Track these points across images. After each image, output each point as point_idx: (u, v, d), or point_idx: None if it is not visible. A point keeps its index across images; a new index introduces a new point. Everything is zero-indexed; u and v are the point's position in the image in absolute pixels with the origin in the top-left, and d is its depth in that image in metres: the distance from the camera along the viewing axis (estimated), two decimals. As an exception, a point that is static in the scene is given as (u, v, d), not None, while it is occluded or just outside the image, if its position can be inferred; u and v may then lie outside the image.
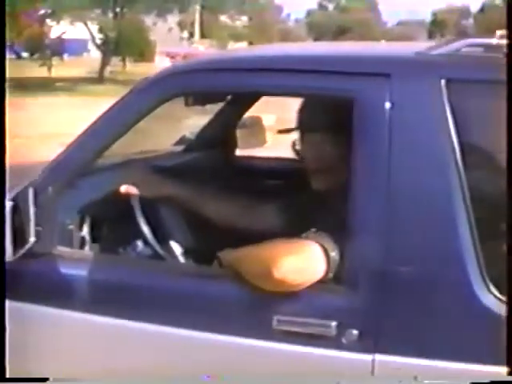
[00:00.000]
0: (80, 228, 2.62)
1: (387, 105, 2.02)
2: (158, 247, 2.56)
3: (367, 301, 2.04)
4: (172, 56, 40.87)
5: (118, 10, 27.19)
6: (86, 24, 27.49)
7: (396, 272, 2.01)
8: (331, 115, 2.32)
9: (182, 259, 2.58)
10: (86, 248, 2.61)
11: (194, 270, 2.45)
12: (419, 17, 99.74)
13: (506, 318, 1.88)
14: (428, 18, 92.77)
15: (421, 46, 2.24)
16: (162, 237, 2.60)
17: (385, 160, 2.01)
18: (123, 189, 2.54)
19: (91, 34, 28.30)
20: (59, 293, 2.31)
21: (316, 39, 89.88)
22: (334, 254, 2.07)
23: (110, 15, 27.53)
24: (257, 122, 4.01)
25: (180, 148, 3.72)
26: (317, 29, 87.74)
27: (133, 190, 2.54)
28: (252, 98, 3.40)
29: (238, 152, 3.88)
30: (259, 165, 3.86)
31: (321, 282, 2.07)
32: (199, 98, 2.85)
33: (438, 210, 2.00)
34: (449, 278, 1.99)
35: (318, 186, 2.43)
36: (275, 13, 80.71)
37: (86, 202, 2.65)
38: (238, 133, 3.83)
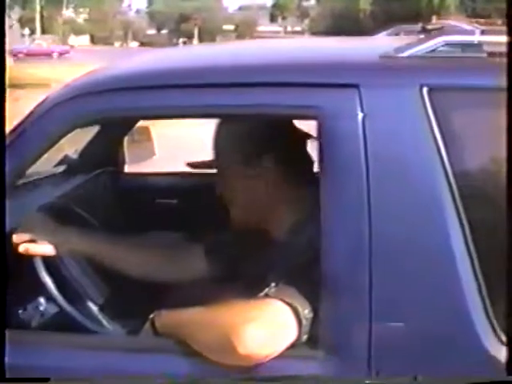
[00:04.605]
0: None
1: (359, 120, 1.64)
2: (66, 304, 2.10)
3: (351, 367, 1.65)
4: (15, 54, 39.65)
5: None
6: None
7: (385, 329, 1.63)
8: (253, 135, 1.95)
9: (97, 318, 2.12)
10: None
11: (120, 341, 1.96)
12: (260, 1, 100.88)
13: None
14: (269, 1, 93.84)
15: (380, 44, 1.87)
16: (68, 291, 2.13)
17: (363, 186, 1.63)
18: (22, 248, 2.06)
19: None
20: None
21: (158, 28, 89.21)
22: (306, 312, 1.67)
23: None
24: (144, 132, 3.59)
25: (62, 169, 3.21)
26: (159, 18, 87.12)
27: (33, 248, 2.07)
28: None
29: (127, 168, 3.45)
30: (154, 182, 3.43)
31: (291, 346, 1.67)
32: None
33: (433, 244, 1.62)
34: (451, 331, 1.63)
35: (238, 220, 2.05)
36: (116, 4, 79.53)
37: None
38: (126, 146, 3.40)
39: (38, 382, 1.75)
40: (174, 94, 1.79)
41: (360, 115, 1.64)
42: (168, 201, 3.24)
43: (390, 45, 1.84)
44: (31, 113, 1.95)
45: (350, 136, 1.64)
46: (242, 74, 1.81)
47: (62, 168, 3.20)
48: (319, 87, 1.68)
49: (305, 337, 1.69)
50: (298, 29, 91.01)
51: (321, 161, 1.66)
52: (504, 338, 1.61)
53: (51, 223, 2.17)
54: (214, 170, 2.07)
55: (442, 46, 1.72)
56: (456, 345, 1.63)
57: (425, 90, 1.63)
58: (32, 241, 2.08)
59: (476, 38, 1.72)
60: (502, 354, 1.61)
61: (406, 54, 1.73)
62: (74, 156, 3.26)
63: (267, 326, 1.65)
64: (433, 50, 1.71)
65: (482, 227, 1.62)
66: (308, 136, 2.01)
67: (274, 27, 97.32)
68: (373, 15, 56.68)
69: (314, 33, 65.84)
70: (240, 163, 1.95)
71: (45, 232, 2.10)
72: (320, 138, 1.66)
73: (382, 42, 1.97)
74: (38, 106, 1.95)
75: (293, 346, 1.67)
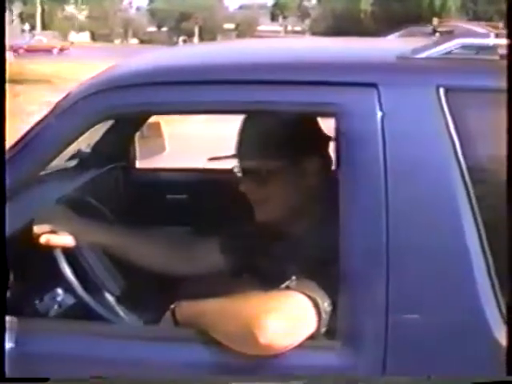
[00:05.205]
0: None
1: (377, 118, 1.68)
2: (84, 294, 2.13)
3: (367, 358, 1.70)
4: (15, 49, 39.63)
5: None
6: None
7: (401, 322, 1.68)
8: (277, 134, 1.98)
9: (114, 309, 2.17)
10: None
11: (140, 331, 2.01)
12: (261, 0, 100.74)
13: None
14: (270, 0, 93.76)
15: (396, 45, 1.91)
16: (86, 282, 2.17)
17: (381, 183, 1.67)
18: (43, 239, 2.10)
19: None
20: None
21: (159, 26, 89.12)
22: (325, 305, 1.72)
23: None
24: (155, 128, 3.64)
25: (74, 164, 3.25)
26: (159, 15, 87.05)
27: (54, 239, 2.11)
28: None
29: (139, 164, 3.50)
30: (165, 177, 3.47)
31: (310, 337, 1.72)
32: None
33: (449, 241, 1.67)
34: (464, 325, 1.68)
35: (263, 218, 2.07)
36: (116, 1, 79.48)
37: None
38: (137, 141, 3.44)
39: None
40: (196, 90, 1.83)
41: (379, 114, 1.68)
42: (179, 196, 3.29)
43: (406, 46, 1.89)
44: (54, 108, 1.98)
45: (369, 133, 1.68)
46: (261, 72, 1.83)
47: (74, 162, 3.23)
48: (338, 85, 1.73)
49: (323, 329, 1.73)
50: (298, 28, 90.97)
51: (339, 158, 1.71)
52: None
53: (72, 215, 2.21)
54: (235, 165, 2.10)
55: (457, 48, 1.77)
56: (469, 338, 1.67)
57: (441, 90, 1.67)
58: (53, 232, 2.12)
59: (491, 40, 1.77)
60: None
61: (422, 55, 1.77)
62: (87, 150, 3.30)
63: (288, 316, 1.69)
64: (449, 52, 1.76)
65: (496, 225, 1.66)
66: (329, 138, 2.06)
67: (275, 26, 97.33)
68: (373, 16, 56.70)
69: (315, 33, 65.72)
70: (264, 162, 1.98)
71: (66, 223, 2.14)
72: (338, 135, 1.71)
73: (397, 43, 2.01)
74: (61, 101, 2.00)
75: (312, 337, 1.72)
